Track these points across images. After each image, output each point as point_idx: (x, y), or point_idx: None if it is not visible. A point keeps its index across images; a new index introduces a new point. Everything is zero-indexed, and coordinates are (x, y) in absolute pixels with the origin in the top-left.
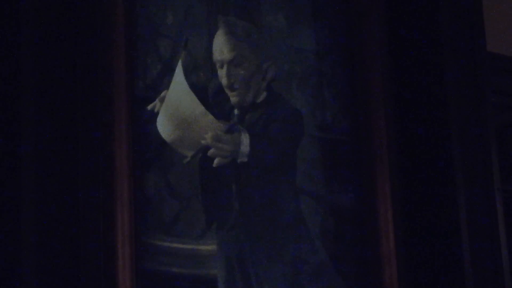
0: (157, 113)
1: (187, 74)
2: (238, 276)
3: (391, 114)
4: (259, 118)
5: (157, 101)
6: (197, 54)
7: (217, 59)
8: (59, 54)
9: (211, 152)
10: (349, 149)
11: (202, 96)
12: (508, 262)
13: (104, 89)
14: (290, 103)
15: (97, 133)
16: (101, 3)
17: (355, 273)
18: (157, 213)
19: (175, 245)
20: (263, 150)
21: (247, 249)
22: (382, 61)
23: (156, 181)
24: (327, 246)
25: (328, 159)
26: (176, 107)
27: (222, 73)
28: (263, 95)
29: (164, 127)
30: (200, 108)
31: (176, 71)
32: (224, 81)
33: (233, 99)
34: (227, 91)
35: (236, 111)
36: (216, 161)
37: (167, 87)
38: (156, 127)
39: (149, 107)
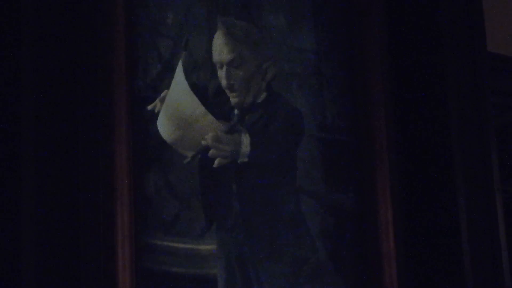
0: (157, 113)
1: (187, 74)
2: (238, 276)
3: (391, 114)
4: (259, 118)
5: (157, 101)
6: (198, 54)
7: (216, 60)
8: (59, 54)
9: (211, 152)
10: (349, 149)
11: (202, 96)
12: (508, 263)
13: (104, 89)
14: (290, 103)
15: (97, 133)
16: (101, 3)
17: (355, 272)
18: (157, 212)
19: (175, 244)
20: (263, 150)
21: (247, 249)
22: (382, 61)
23: (156, 181)
24: (327, 246)
25: (328, 159)
26: (176, 107)
27: (221, 74)
28: (263, 95)
29: (164, 127)
30: (200, 108)
31: (176, 71)
32: (223, 82)
33: (233, 99)
34: (226, 91)
35: (236, 111)
36: (216, 162)
37: (167, 87)
38: (156, 127)
39: (149, 107)
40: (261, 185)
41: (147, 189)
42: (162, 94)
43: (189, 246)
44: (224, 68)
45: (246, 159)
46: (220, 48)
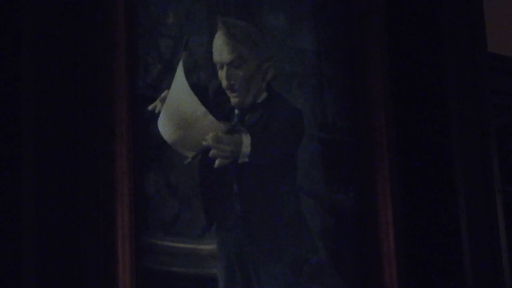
0: (158, 114)
1: (188, 74)
2: (238, 276)
3: (391, 114)
4: (260, 119)
5: (157, 102)
6: (198, 54)
7: (216, 60)
8: (60, 54)
9: (212, 153)
10: (350, 149)
11: (202, 96)
12: (508, 263)
13: (104, 89)
14: (291, 103)
15: (97, 133)
16: (102, 3)
17: (355, 272)
18: (158, 212)
19: (175, 244)
20: (263, 150)
21: (247, 249)
22: (383, 61)
23: (156, 181)
24: (327, 246)
25: (329, 159)
26: (177, 108)
27: (222, 74)
28: (263, 96)
29: (165, 127)
30: (201, 108)
31: (177, 71)
32: (224, 82)
33: (233, 100)
34: (227, 92)
35: (236, 112)
36: (217, 162)
37: (167, 87)
38: (156, 128)
39: (150, 107)
40: (261, 185)
41: (147, 189)
42: (163, 94)
43: (189, 246)
44: (225, 68)
45: (246, 159)
46: (220, 48)
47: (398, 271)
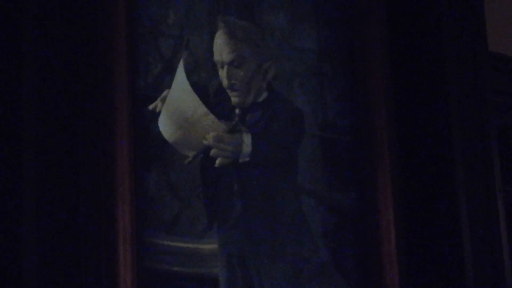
0: (159, 113)
1: (188, 73)
2: (239, 275)
3: (392, 113)
4: (261, 118)
5: (158, 101)
6: (198, 53)
7: (217, 59)
8: (60, 54)
9: (213, 152)
10: (350, 148)
11: (203, 95)
12: (510, 264)
13: (105, 88)
14: (291, 103)
15: (98, 133)
16: (102, 3)
17: (356, 272)
18: (158, 212)
19: (176, 244)
20: (264, 149)
21: (248, 248)
22: (383, 61)
23: (157, 181)
24: (328, 246)
25: (329, 158)
26: (178, 107)
27: (222, 73)
28: (264, 95)
29: (165, 127)
30: (201, 108)
31: (177, 70)
32: (224, 81)
33: (234, 99)
34: (227, 91)
35: (237, 111)
36: (218, 162)
37: (168, 86)
38: (157, 127)
39: (150, 107)
40: (262, 185)
41: (148, 188)
42: (163, 94)
43: (190, 245)
44: (225, 68)
45: (247, 159)
46: (221, 47)
47: (399, 271)
